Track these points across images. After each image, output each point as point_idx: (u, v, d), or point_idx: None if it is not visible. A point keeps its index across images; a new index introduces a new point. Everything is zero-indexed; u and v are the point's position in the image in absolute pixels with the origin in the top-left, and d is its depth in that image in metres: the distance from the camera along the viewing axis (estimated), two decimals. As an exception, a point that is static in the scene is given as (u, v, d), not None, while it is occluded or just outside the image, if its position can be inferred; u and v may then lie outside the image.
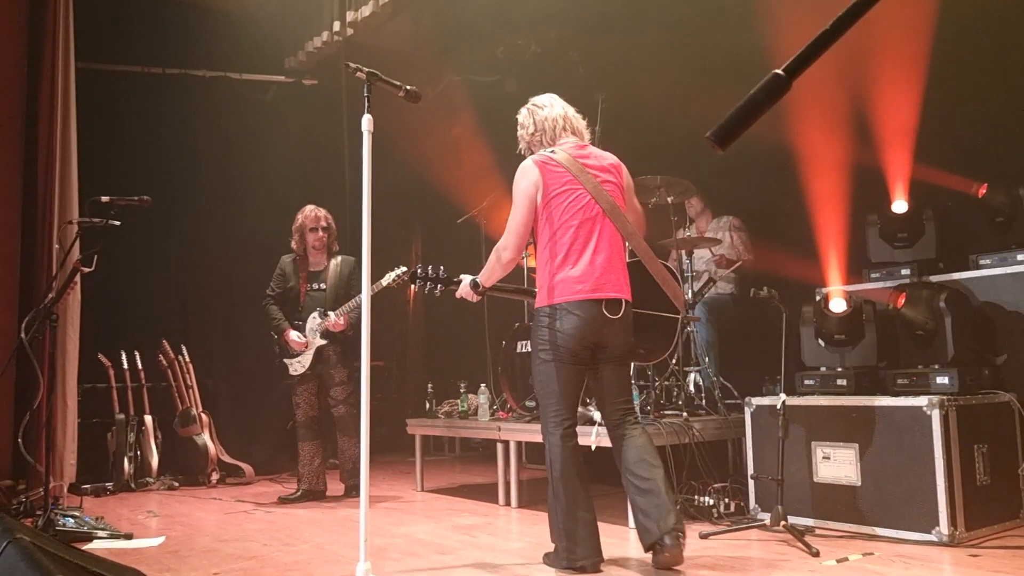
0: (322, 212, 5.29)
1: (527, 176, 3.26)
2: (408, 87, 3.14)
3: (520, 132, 3.50)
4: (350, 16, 6.27)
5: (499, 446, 4.89)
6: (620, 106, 5.31)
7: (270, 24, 7.29)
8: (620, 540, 3.73)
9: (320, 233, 5.23)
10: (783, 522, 3.57)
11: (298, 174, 7.37)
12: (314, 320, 5.13)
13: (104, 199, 4.35)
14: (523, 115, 3.50)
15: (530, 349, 3.34)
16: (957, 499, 3.41)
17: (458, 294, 3.47)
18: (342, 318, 5.02)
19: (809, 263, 4.56)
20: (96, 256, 4.29)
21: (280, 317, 5.20)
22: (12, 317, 5.42)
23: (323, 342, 5.11)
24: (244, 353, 6.90)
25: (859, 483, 3.68)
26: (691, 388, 4.80)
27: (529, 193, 3.24)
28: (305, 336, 5.13)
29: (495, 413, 5.31)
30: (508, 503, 4.82)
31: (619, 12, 5.96)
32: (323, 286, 5.20)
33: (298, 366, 5.16)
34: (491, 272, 3.35)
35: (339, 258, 5.29)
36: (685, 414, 4.39)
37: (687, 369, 4.86)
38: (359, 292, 4.92)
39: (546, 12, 6.30)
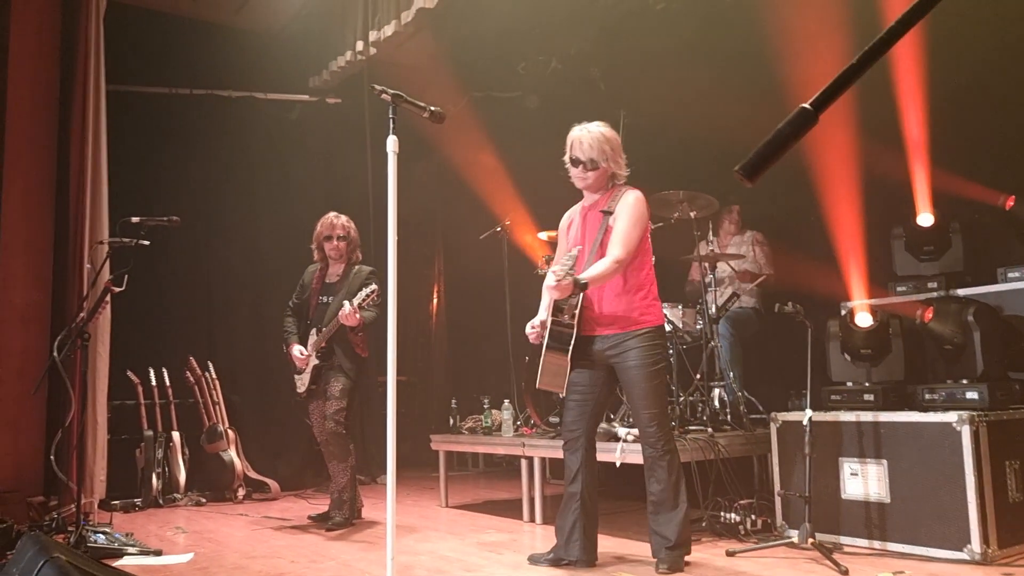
0: (340, 220, 4.94)
1: (647, 208, 3.52)
2: (433, 108, 3.16)
3: (618, 161, 3.56)
4: (373, 35, 6.34)
5: (523, 462, 4.88)
6: (641, 121, 5.33)
7: (294, 44, 7.40)
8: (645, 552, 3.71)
9: (336, 242, 4.89)
10: (811, 539, 3.53)
11: (322, 192, 7.45)
12: (312, 337, 4.85)
13: (134, 219, 4.43)
14: (617, 140, 3.58)
15: (644, 368, 3.41)
16: (989, 516, 3.36)
17: (557, 290, 3.27)
18: (356, 311, 4.49)
19: (834, 277, 4.54)
20: (126, 275, 4.36)
21: (290, 330, 4.97)
22: (44, 336, 5.51)
23: (316, 361, 4.80)
24: (270, 369, 6.96)
25: (888, 500, 3.64)
26: (716, 403, 4.79)
27: (648, 222, 3.54)
28: (307, 351, 4.86)
29: (519, 429, 5.32)
30: (533, 519, 4.82)
31: (640, 27, 5.99)
32: (332, 299, 4.84)
33: (300, 384, 4.91)
34: (602, 278, 3.36)
35: (355, 268, 4.92)
36: (710, 430, 4.37)
37: (712, 384, 4.84)
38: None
39: (566, 28, 6.34)
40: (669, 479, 3.41)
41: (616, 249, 3.37)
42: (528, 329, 3.60)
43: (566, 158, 3.61)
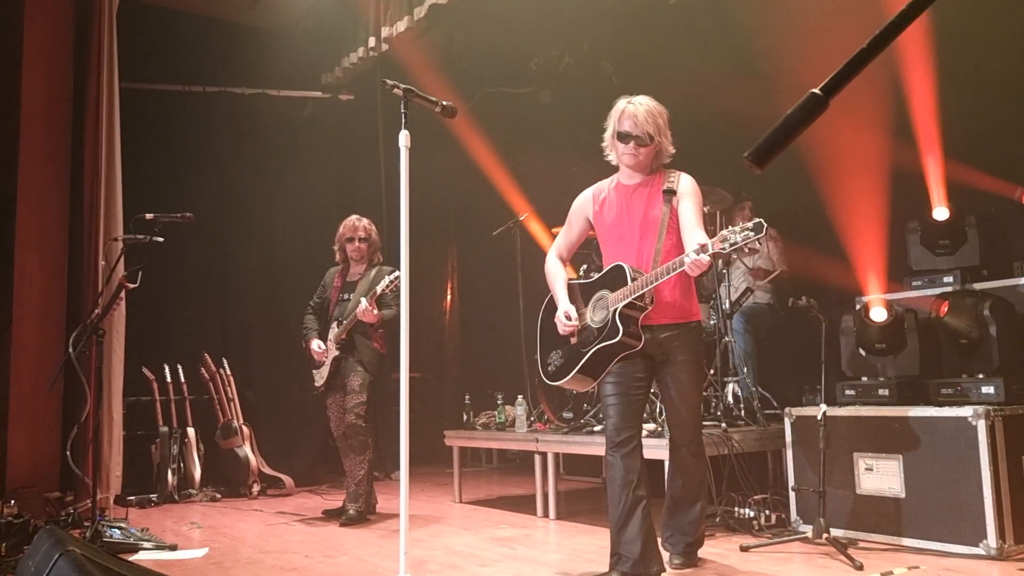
0: (362, 223, 5.08)
1: None
2: (444, 102, 3.15)
3: (668, 136, 3.27)
4: (385, 32, 6.34)
5: (537, 458, 4.88)
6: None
7: (307, 41, 7.41)
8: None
9: (357, 244, 5.03)
10: (825, 535, 3.52)
11: (336, 188, 7.49)
12: (333, 331, 4.96)
13: (148, 216, 4.46)
14: (667, 114, 3.26)
15: (695, 362, 3.27)
16: (1005, 511, 3.33)
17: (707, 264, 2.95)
18: (372, 307, 4.65)
19: (848, 271, 4.51)
20: (140, 272, 4.39)
21: (309, 327, 5.10)
22: (60, 332, 5.56)
23: (336, 353, 4.91)
24: (284, 366, 6.99)
25: (903, 495, 3.61)
26: (730, 399, 4.76)
27: None
28: (326, 346, 4.97)
29: (532, 424, 5.31)
30: (546, 515, 4.81)
31: (652, 21, 5.96)
32: (352, 295, 4.97)
33: (318, 377, 5.01)
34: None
35: (376, 268, 5.04)
36: (724, 425, 4.35)
37: (725, 379, 4.82)
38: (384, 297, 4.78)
39: (579, 23, 6.31)
40: (696, 476, 3.36)
41: (702, 233, 3.07)
42: (567, 320, 3.29)
43: (608, 134, 3.29)
